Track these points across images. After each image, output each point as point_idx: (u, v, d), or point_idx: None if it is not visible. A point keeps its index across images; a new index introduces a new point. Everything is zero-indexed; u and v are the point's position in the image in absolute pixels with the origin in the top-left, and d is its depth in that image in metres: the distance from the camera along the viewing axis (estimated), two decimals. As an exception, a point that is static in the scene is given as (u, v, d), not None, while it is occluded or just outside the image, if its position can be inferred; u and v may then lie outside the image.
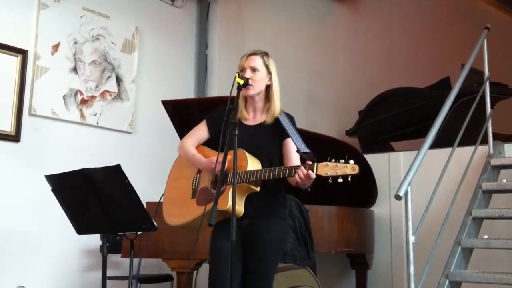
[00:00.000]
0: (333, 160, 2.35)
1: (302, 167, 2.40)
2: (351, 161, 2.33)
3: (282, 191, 2.72)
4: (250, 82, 2.63)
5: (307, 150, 2.49)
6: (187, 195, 2.71)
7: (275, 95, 2.72)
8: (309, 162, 2.40)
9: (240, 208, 2.54)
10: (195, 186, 2.72)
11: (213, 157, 2.57)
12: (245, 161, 2.53)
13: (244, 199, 2.57)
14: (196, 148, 2.79)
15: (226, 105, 2.50)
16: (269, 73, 2.71)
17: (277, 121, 2.69)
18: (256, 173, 2.49)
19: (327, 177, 2.34)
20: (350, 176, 2.32)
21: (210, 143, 2.79)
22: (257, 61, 2.70)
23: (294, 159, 2.63)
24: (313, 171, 2.37)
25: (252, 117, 2.76)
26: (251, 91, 2.66)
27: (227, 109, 2.47)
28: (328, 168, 2.34)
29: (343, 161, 2.33)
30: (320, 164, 2.36)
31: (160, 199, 2.90)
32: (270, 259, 2.63)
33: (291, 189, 2.61)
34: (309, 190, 2.48)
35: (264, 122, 2.72)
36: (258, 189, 2.57)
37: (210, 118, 2.81)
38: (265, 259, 2.61)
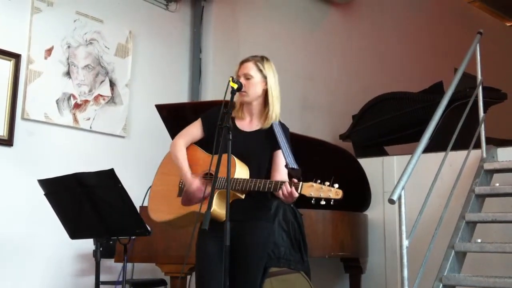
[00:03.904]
0: (319, 181, 2.36)
1: (287, 184, 2.41)
2: (336, 185, 2.35)
3: (266, 194, 2.71)
4: (243, 88, 2.63)
5: (295, 167, 2.49)
6: (173, 193, 2.70)
7: (272, 99, 2.69)
8: (295, 180, 2.41)
9: (222, 212, 2.52)
10: (182, 184, 2.71)
11: (194, 181, 2.58)
12: (234, 167, 2.53)
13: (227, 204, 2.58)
14: (189, 147, 2.78)
15: (221, 106, 2.50)
16: (264, 77, 2.70)
17: (271, 129, 2.68)
18: (242, 183, 2.50)
19: (310, 198, 2.36)
20: (332, 201, 2.34)
21: (203, 143, 2.79)
22: (249, 67, 2.68)
23: (282, 172, 2.64)
24: (297, 190, 2.38)
25: (249, 122, 2.75)
26: (245, 98, 2.67)
27: (221, 113, 2.47)
28: (313, 190, 2.35)
29: (328, 183, 2.35)
30: (305, 184, 2.38)
31: (147, 192, 2.88)
32: (256, 262, 2.64)
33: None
34: (291, 205, 2.50)
35: (260, 129, 2.71)
36: (243, 196, 2.57)
37: (205, 117, 2.80)
38: (251, 262, 2.62)
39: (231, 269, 2.58)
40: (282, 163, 2.63)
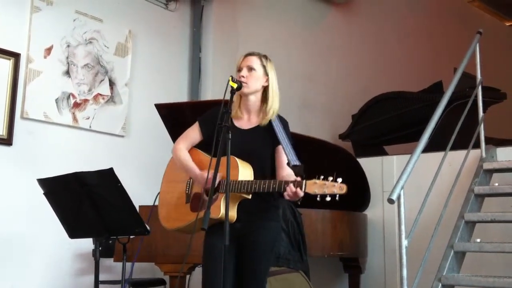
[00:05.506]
0: (322, 177, 2.36)
1: (291, 185, 2.40)
2: (339, 180, 2.34)
3: (274, 194, 2.71)
4: (244, 80, 2.64)
5: (297, 163, 2.48)
6: (181, 200, 2.72)
7: (273, 96, 2.71)
8: (298, 179, 2.41)
9: (232, 214, 2.55)
10: (188, 191, 2.72)
11: (204, 173, 2.56)
12: (237, 169, 2.53)
13: (236, 205, 2.58)
14: (190, 151, 2.79)
15: (219, 106, 2.50)
16: (266, 74, 2.71)
17: (270, 126, 2.69)
18: (246, 185, 2.50)
19: (315, 195, 2.35)
20: (338, 196, 2.33)
21: (204, 145, 2.79)
22: (254, 61, 2.71)
23: (287, 169, 2.62)
24: (301, 188, 2.37)
25: (247, 120, 2.75)
26: (245, 89, 2.65)
27: (221, 113, 2.47)
28: (317, 186, 2.35)
29: (332, 178, 2.34)
30: (309, 182, 2.37)
31: (155, 201, 2.89)
32: (263, 262, 2.65)
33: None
34: (299, 203, 2.49)
35: (259, 125, 2.72)
36: (249, 196, 2.57)
37: (202, 120, 2.80)
38: (258, 262, 2.62)
39: (238, 269, 2.60)
40: (285, 160, 2.61)
